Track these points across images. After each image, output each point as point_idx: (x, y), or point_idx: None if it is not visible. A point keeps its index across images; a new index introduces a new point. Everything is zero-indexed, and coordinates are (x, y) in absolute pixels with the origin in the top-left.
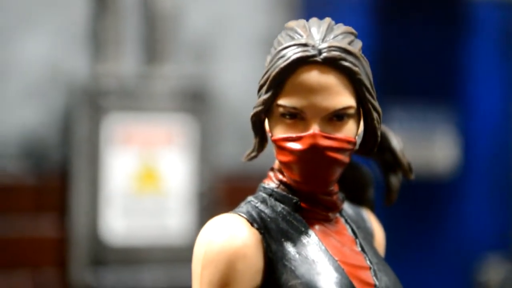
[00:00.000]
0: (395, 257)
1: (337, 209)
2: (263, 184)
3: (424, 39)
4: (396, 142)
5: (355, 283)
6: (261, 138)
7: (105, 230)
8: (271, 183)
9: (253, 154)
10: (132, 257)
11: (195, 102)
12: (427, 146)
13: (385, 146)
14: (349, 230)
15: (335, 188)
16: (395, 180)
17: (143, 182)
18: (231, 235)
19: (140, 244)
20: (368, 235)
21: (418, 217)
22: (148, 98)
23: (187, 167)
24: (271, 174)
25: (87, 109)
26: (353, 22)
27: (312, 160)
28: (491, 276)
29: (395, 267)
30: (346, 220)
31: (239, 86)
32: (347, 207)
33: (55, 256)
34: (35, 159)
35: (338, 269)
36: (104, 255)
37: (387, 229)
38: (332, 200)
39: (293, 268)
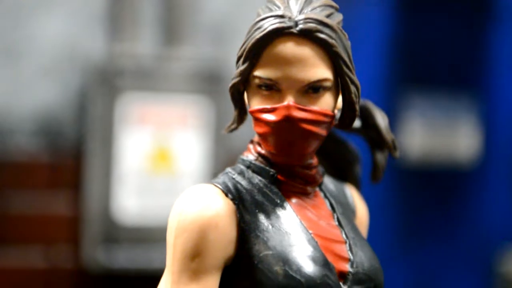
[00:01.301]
0: (415, 245)
1: (316, 183)
2: (242, 156)
3: (447, 27)
4: (381, 118)
5: (328, 256)
6: (241, 110)
7: (118, 209)
8: (250, 155)
9: (233, 126)
10: (144, 236)
11: (211, 83)
12: (449, 135)
13: (370, 122)
14: (328, 205)
15: (314, 162)
16: (381, 158)
17: (156, 162)
18: (204, 204)
19: (153, 224)
20: (348, 211)
21: (438, 205)
22: (164, 79)
23: (201, 148)
24: (250, 146)
25: (103, 88)
26: (377, 9)
27: (286, 131)
28: (511, 267)
29: (414, 255)
30: (325, 195)
31: None
32: (328, 182)
33: (68, 233)
34: (50, 137)
35: (311, 241)
36: (117, 234)
37: (407, 217)
38: (311, 174)
39: (265, 239)
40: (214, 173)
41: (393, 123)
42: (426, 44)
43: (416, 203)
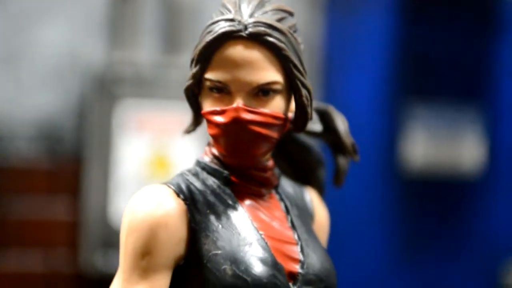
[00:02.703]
0: (418, 257)
1: (271, 185)
2: (198, 158)
3: (451, 37)
4: (341, 122)
5: (278, 257)
6: (197, 112)
7: (116, 215)
8: (205, 157)
9: (190, 128)
10: None
11: None
12: (453, 145)
13: (330, 126)
14: (283, 207)
15: (269, 164)
16: (343, 162)
17: (154, 169)
18: (155, 204)
19: None
20: (305, 214)
21: (442, 217)
22: (163, 87)
23: (198, 155)
24: (206, 148)
25: (102, 95)
26: (380, 20)
27: (235, 133)
28: None
29: (417, 268)
30: (281, 197)
31: None
32: (287, 185)
33: (67, 238)
34: (50, 143)
35: (261, 242)
36: (115, 239)
37: (410, 229)
38: (265, 176)
39: (214, 239)
40: None
41: (396, 133)
42: (430, 54)
43: (419, 214)
